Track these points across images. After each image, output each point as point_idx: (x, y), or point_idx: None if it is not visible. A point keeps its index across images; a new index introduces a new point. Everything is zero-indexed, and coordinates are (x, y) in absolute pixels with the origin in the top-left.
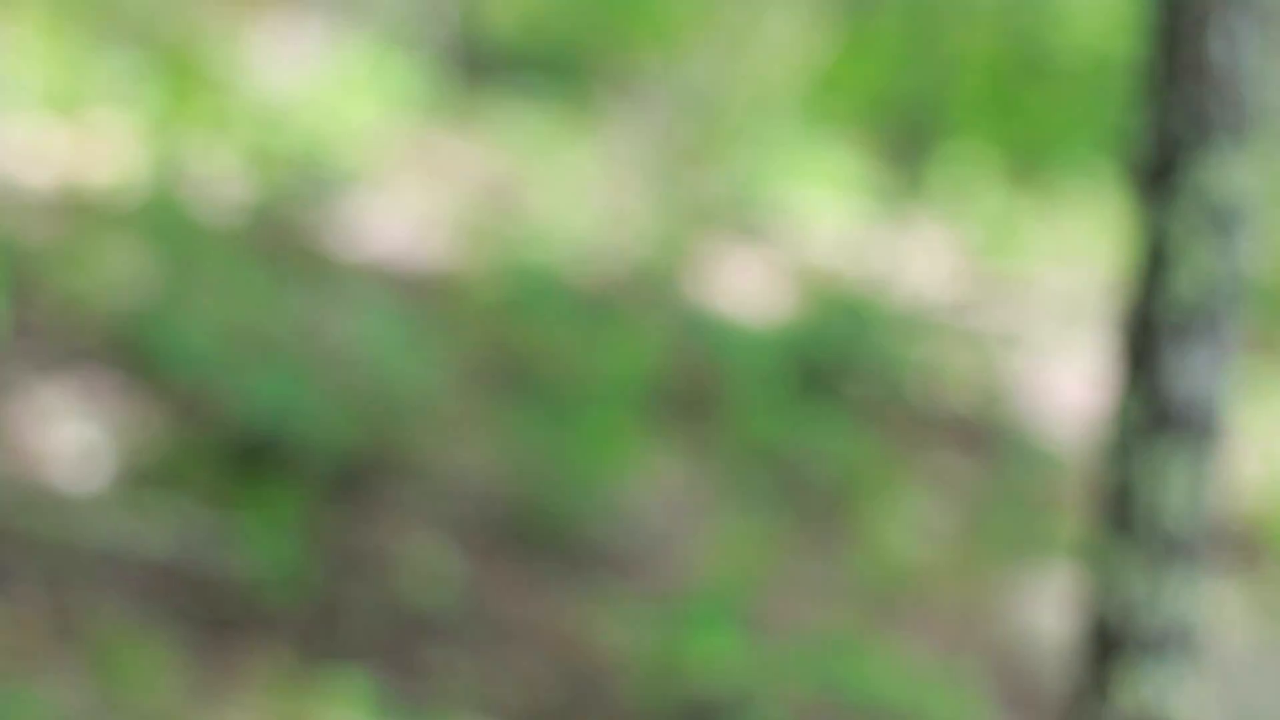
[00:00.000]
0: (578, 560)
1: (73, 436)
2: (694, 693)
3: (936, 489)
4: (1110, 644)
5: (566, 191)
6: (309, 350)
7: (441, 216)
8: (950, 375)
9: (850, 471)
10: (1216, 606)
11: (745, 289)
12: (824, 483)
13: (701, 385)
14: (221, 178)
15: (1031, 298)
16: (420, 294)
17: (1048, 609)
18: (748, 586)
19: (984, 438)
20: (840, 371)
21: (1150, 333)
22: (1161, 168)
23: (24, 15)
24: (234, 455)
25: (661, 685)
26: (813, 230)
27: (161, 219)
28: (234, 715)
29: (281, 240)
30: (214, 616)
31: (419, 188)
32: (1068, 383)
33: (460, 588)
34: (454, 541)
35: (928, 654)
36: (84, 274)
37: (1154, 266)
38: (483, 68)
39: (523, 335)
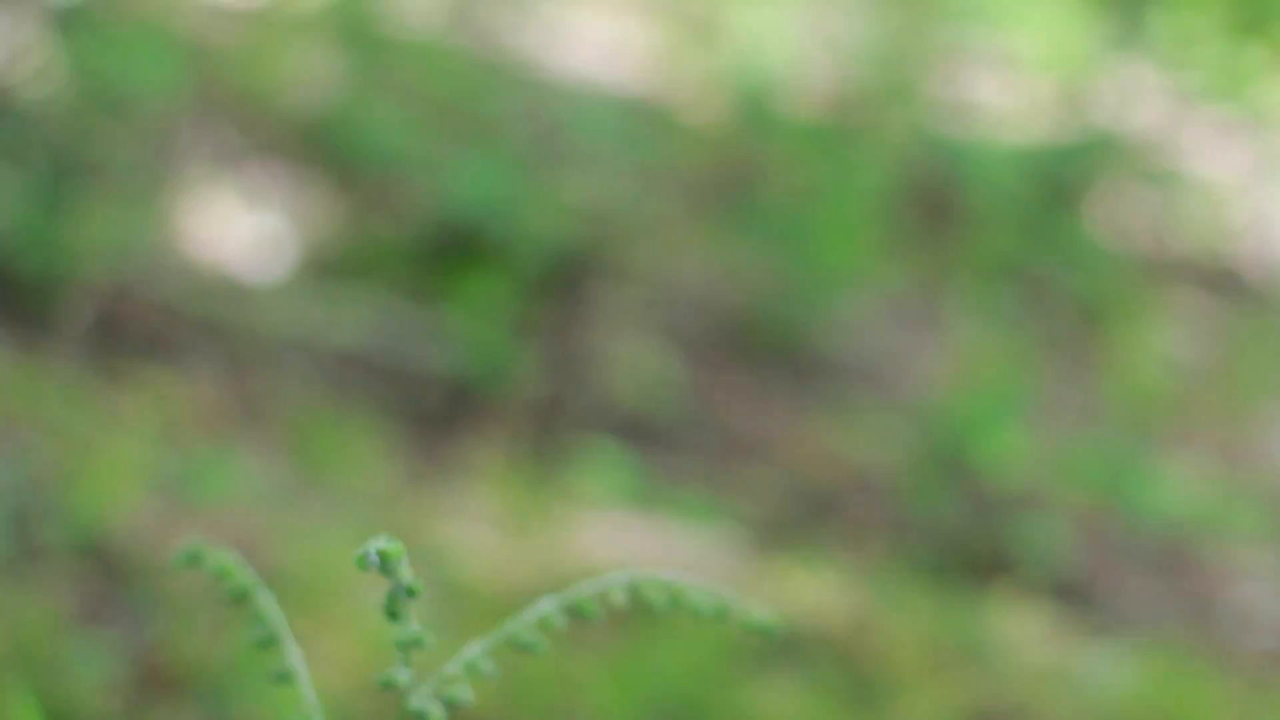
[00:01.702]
0: (806, 372)
1: (253, 226)
2: (974, 493)
3: (1186, 322)
4: None
5: (770, 17)
6: (515, 149)
7: (639, 36)
8: (1189, 214)
9: (1098, 295)
10: None
11: (973, 111)
12: (1071, 304)
13: (939, 201)
14: None
15: (1262, 144)
16: (628, 111)
17: None
18: (1009, 395)
19: (1228, 277)
20: (1083, 194)
21: None
22: None
23: None
24: (430, 249)
25: (933, 491)
26: (1028, 77)
27: (349, 24)
28: (459, 497)
29: (477, 48)
30: (418, 410)
31: (612, 6)
32: None
33: (683, 395)
34: (675, 348)
35: (1197, 479)
36: (267, 74)
37: None
38: None
39: (743, 153)
